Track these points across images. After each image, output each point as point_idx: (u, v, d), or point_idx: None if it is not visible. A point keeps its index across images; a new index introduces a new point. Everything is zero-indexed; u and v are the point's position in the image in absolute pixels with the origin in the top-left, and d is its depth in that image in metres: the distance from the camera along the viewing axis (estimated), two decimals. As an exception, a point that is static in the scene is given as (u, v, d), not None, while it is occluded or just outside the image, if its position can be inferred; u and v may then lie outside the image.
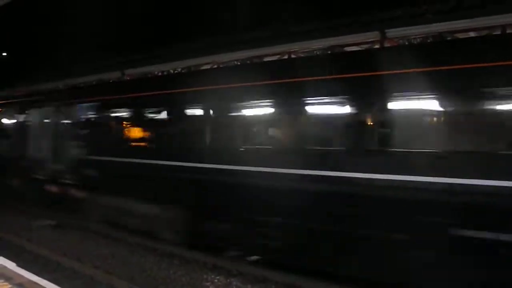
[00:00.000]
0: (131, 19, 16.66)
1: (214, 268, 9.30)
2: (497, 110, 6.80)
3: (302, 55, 10.17)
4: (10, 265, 7.34)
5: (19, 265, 7.47)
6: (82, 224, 12.98)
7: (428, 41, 9.55)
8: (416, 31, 9.80)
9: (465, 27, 9.72)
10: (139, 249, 10.80)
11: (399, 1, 10.19)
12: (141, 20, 16.53)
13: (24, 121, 16.74)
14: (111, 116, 12.85)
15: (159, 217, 10.66)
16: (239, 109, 9.38)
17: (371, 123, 7.62)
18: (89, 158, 12.84)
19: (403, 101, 7.35)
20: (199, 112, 10.42)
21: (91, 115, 13.34)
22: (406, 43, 9.73)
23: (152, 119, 11.51)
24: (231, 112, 9.52)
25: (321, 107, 8.24)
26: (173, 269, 9.39)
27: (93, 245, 11.25)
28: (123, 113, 12.54)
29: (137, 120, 11.85)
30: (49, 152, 14.75)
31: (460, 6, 9.89)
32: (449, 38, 9.37)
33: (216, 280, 8.75)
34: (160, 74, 14.54)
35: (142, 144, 11.72)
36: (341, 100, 7.76)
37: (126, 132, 12.28)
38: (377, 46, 9.32)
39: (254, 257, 9.30)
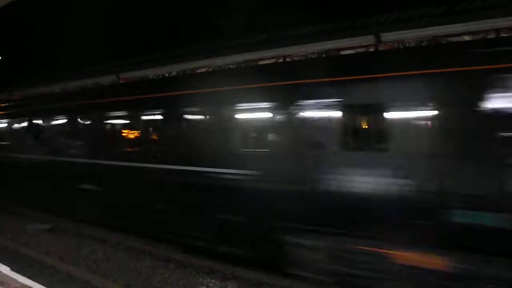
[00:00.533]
0: (130, 24, 16.69)
1: (210, 272, 9.31)
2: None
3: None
4: (4, 269, 7.31)
5: (13, 269, 7.45)
6: (78, 228, 12.97)
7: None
8: (410, 35, 9.88)
9: (458, 31, 9.82)
10: (135, 253, 10.78)
11: (392, 5, 10.26)
12: (141, 24, 16.56)
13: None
14: None
15: None
16: None
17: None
18: None
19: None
20: None
21: None
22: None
23: None
24: None
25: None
26: (169, 273, 9.38)
27: (89, 249, 11.22)
28: None
29: None
30: None
31: (453, 10, 9.96)
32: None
33: (211, 284, 8.75)
34: None
35: None
36: None
37: None
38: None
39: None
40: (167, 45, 14.54)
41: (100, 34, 16.81)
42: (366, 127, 7.56)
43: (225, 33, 11.55)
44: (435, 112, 6.78)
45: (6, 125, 16.99)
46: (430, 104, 6.79)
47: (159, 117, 10.59)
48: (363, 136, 7.46)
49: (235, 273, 9.05)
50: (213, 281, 8.89)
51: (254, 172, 8.49)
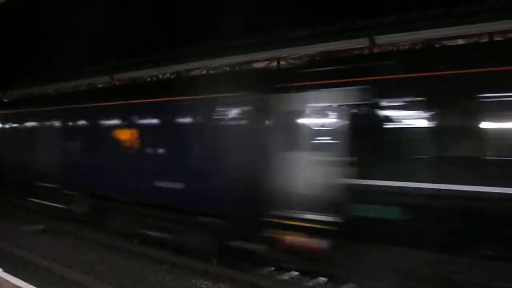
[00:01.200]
0: (128, 24, 16.64)
1: (203, 273, 9.30)
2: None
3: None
4: (-3, 270, 7.29)
5: (6, 270, 7.42)
6: (72, 229, 12.96)
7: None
8: (405, 38, 9.91)
9: (454, 34, 9.86)
10: (129, 255, 10.77)
11: (389, 8, 10.27)
12: (138, 24, 16.53)
13: None
14: None
15: None
16: None
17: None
18: None
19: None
20: None
21: None
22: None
23: None
24: None
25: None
26: (162, 275, 9.38)
27: (83, 250, 11.20)
28: None
29: None
30: None
31: (450, 13, 10.00)
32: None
33: (204, 286, 8.75)
34: None
35: None
36: None
37: None
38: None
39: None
40: (160, 46, 14.53)
41: (97, 33, 16.75)
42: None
43: (216, 35, 11.57)
44: None
45: None
46: None
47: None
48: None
49: (229, 275, 9.06)
50: (206, 282, 8.90)
51: None
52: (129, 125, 11.24)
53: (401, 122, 7.25)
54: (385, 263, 7.09)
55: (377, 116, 7.33)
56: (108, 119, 12.02)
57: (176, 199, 9.89)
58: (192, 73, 12.72)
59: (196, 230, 9.67)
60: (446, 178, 6.65)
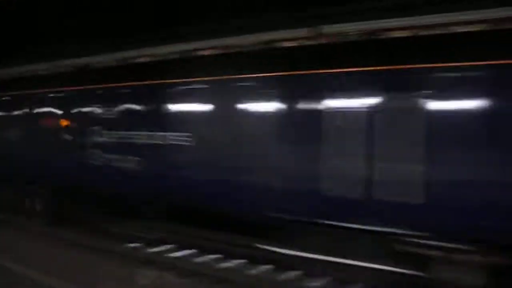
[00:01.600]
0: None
1: (148, 262, 9.33)
2: None
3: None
4: None
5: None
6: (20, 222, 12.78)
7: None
8: (352, 28, 9.95)
9: (400, 25, 9.96)
10: (73, 246, 10.66)
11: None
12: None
13: None
14: None
15: None
16: None
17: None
18: None
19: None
20: None
21: None
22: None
23: None
24: None
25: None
26: (106, 264, 9.34)
27: (35, 245, 10.96)
28: None
29: None
30: None
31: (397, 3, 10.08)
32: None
33: (149, 273, 8.77)
34: None
35: None
36: None
37: None
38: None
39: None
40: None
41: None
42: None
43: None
44: None
45: None
46: None
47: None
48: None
49: (173, 262, 9.14)
50: (151, 269, 8.95)
51: None
52: None
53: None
54: None
55: None
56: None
57: None
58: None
59: None
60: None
